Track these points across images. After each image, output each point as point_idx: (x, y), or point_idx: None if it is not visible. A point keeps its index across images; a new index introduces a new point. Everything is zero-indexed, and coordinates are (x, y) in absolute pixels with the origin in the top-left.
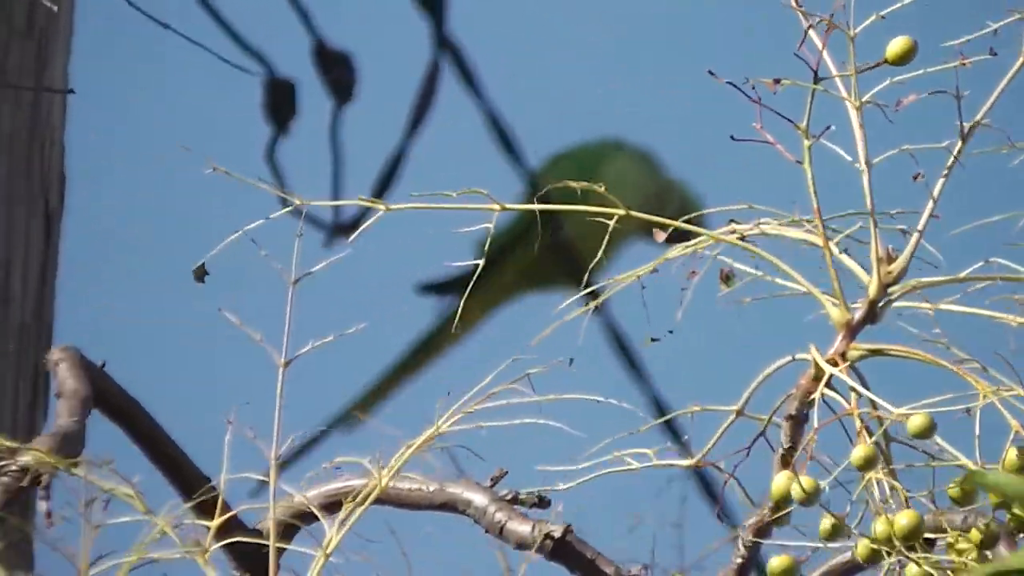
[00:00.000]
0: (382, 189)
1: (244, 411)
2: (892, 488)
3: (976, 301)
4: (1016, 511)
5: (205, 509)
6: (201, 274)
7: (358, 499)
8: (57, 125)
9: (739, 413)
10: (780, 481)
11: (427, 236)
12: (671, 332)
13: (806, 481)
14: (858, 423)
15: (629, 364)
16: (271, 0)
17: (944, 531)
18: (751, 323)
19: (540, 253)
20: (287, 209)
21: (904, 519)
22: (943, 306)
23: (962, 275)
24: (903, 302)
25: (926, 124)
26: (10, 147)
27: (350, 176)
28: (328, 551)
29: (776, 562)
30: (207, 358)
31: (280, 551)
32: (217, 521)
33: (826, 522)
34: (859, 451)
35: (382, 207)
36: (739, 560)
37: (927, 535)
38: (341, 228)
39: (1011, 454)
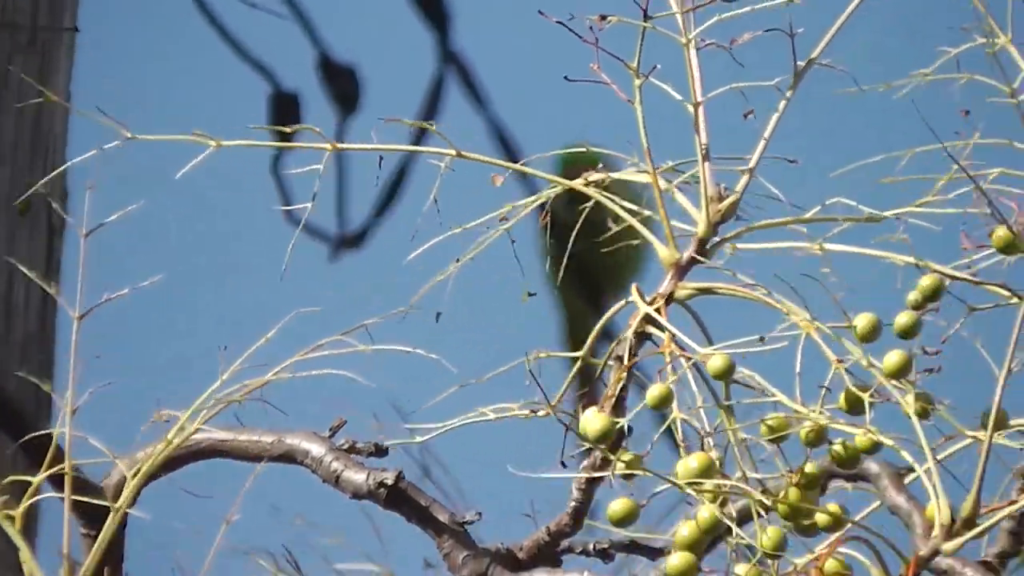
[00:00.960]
0: (387, 201)
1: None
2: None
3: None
4: (836, 447)
5: (38, 464)
6: (24, 208)
7: (157, 452)
8: (60, 137)
9: (584, 359)
10: (585, 419)
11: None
12: (533, 294)
13: (600, 419)
14: (667, 359)
15: None
16: (276, 14)
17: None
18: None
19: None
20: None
21: (694, 461)
22: (742, 245)
23: (806, 216)
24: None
25: (776, 65)
26: (13, 159)
27: (354, 188)
28: (120, 505)
29: (616, 506)
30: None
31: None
32: (39, 479)
33: (625, 457)
34: (654, 389)
35: (212, 143)
36: (573, 504)
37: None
38: (346, 240)
39: (840, 398)
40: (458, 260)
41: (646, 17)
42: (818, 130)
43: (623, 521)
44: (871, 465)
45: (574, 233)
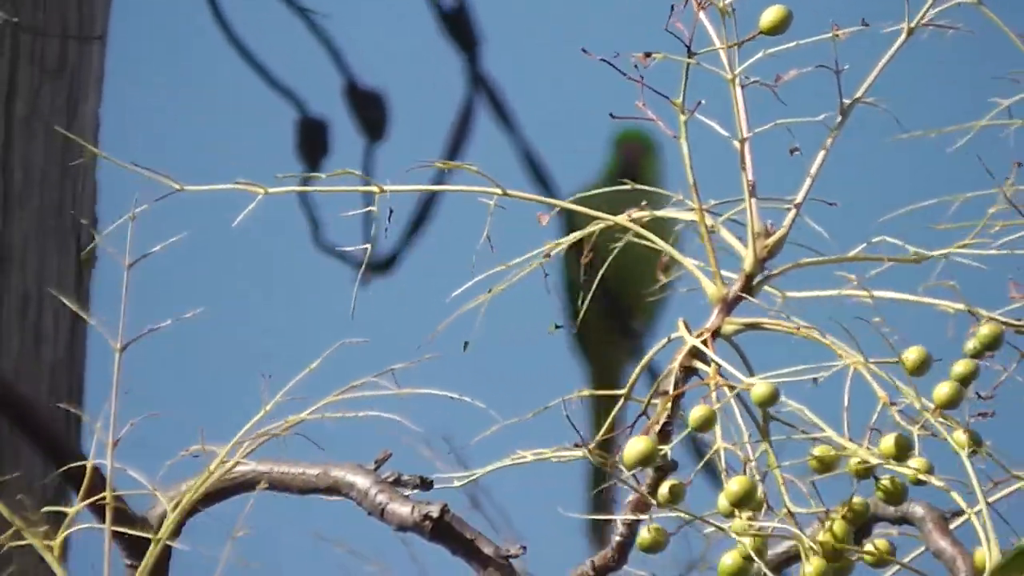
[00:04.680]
0: (415, 227)
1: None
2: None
3: (876, 286)
4: (884, 481)
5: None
6: (89, 258)
7: (197, 485)
8: (89, 164)
9: (627, 397)
10: (628, 444)
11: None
12: (560, 327)
13: (643, 441)
14: (712, 387)
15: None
16: (302, 40)
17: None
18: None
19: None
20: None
21: (735, 484)
22: (791, 293)
23: (850, 255)
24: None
25: (821, 102)
26: (42, 186)
27: (383, 215)
28: (160, 536)
29: (645, 534)
30: (242, 391)
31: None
32: (76, 508)
33: (664, 488)
34: (697, 411)
35: (261, 191)
36: (618, 538)
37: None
38: (374, 266)
39: (887, 440)
40: (490, 291)
41: (690, 53)
42: (864, 173)
43: (651, 550)
44: (916, 508)
45: (604, 265)
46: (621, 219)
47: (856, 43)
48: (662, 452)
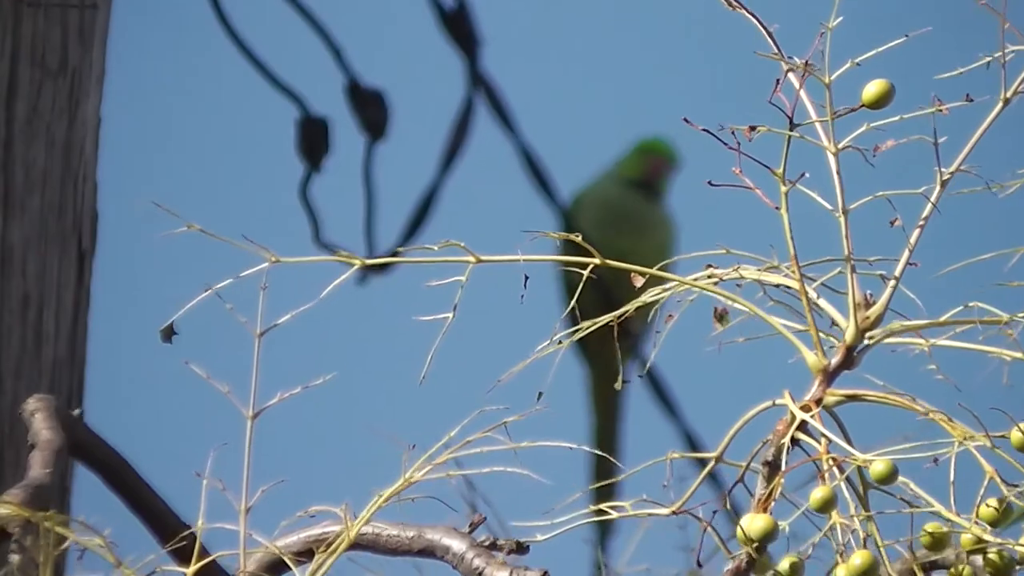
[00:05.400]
0: (415, 226)
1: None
2: (856, 532)
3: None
4: (992, 555)
5: (184, 559)
6: (169, 334)
7: (328, 548)
8: (90, 163)
9: (718, 459)
10: (745, 523)
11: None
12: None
13: (763, 519)
14: (825, 466)
15: (661, 400)
16: (304, 39)
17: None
18: (739, 366)
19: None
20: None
21: (858, 559)
22: (935, 341)
23: (942, 319)
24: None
25: (910, 168)
26: (43, 185)
27: (382, 214)
28: None
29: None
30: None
31: None
32: (193, 568)
33: (785, 562)
34: (817, 492)
35: (357, 262)
36: None
37: None
38: (374, 265)
39: (991, 504)
40: (560, 342)
41: (792, 126)
42: (948, 231)
43: None
44: None
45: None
46: (689, 280)
47: (950, 112)
48: (783, 528)
